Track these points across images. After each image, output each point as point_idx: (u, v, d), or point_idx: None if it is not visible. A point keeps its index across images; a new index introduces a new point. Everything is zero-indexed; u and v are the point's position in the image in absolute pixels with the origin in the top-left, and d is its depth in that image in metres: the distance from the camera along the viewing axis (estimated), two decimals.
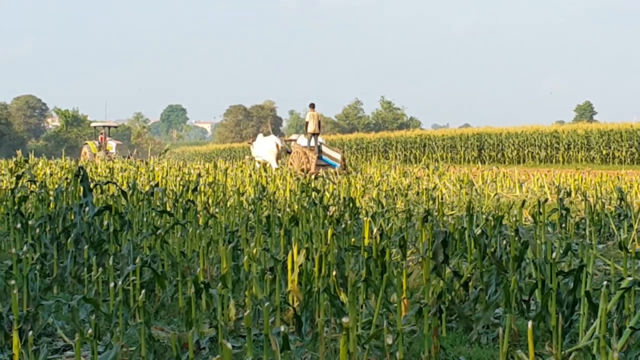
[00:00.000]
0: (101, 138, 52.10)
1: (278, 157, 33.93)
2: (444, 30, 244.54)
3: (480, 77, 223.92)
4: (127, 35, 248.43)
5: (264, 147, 34.55)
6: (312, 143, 33.35)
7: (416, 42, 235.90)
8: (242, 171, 26.79)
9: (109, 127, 57.33)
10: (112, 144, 51.01)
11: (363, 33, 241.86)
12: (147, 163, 33.04)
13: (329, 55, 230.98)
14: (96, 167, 27.81)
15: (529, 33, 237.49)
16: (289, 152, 35.22)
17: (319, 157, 32.70)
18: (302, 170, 30.73)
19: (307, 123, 34.20)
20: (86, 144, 53.11)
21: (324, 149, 34.09)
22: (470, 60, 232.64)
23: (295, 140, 36.54)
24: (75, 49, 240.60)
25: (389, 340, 4.46)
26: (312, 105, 34.57)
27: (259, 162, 33.18)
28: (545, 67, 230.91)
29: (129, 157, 43.24)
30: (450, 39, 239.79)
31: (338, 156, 33.97)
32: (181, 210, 12.18)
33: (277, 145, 34.11)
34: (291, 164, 33.58)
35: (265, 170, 27.44)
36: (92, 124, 62.76)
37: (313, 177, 24.48)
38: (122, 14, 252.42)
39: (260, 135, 36.72)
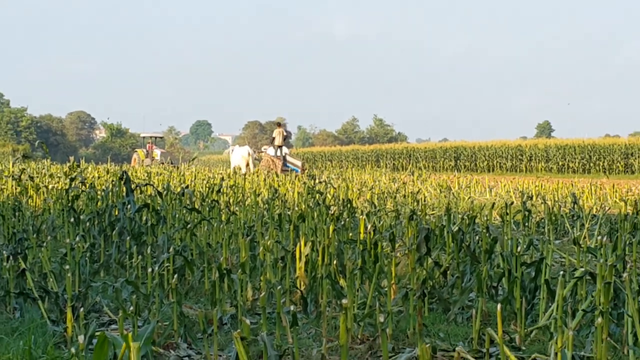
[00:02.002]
0: (149, 147, 52.06)
1: (247, 164, 35.00)
2: (429, 59, 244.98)
3: (458, 98, 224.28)
4: (163, 58, 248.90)
5: (238, 155, 36.45)
6: (278, 153, 36.26)
7: (405, 68, 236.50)
8: (257, 176, 26.78)
9: (156, 137, 57.28)
10: (157, 152, 50.97)
11: (359, 59, 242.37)
12: (178, 168, 33.17)
13: (331, 78, 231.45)
14: (136, 172, 27.77)
15: (500, 62, 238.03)
16: (258, 160, 37.12)
17: (284, 164, 35.49)
18: (270, 173, 31.75)
19: (274, 138, 37.56)
20: (136, 151, 53.03)
21: (288, 158, 36.98)
22: (449, 84, 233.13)
23: (266, 151, 38.18)
24: (118, 70, 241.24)
25: (381, 319, 4.45)
26: (279, 124, 39.13)
27: (237, 168, 34.57)
28: (512, 91, 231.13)
29: (171, 164, 43.33)
30: (434, 67, 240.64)
31: (299, 163, 37.10)
32: (207, 208, 12.17)
33: (249, 154, 35.70)
34: (261, 169, 35.06)
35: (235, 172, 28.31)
36: (142, 135, 62.20)
37: (315, 183, 24.94)
38: (157, 42, 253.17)
39: (236, 146, 38.72)
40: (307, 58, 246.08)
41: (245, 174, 28.68)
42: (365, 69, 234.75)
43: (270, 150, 37.95)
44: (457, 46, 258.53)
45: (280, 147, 37.02)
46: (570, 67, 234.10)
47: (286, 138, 38.70)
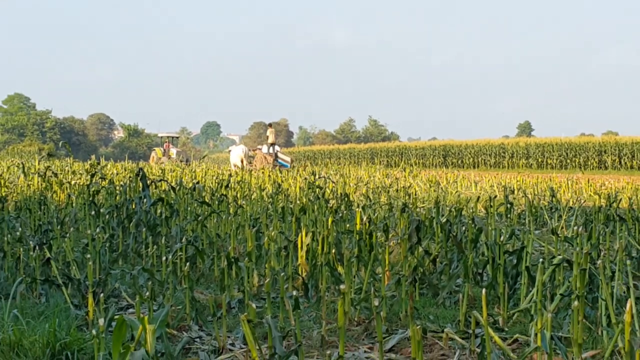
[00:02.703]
0: (166, 146, 51.93)
1: (242, 161, 36.16)
2: (420, 66, 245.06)
3: (446, 101, 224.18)
4: (176, 65, 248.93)
5: (235, 153, 37.77)
6: (271, 150, 37.43)
7: (398, 73, 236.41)
8: (262, 172, 26.77)
9: (172, 137, 57.12)
10: (173, 151, 50.85)
11: (356, 66, 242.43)
12: (189, 166, 33.34)
13: (330, 83, 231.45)
14: (151, 169, 27.79)
15: (484, 69, 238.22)
16: (252, 157, 37.84)
17: (275, 160, 36.75)
18: (263, 168, 32.45)
19: (267, 137, 38.76)
20: (154, 150, 52.88)
21: (279, 154, 38.19)
22: (439, 89, 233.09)
23: (260, 149, 38.94)
24: (135, 75, 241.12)
25: (376, 303, 4.45)
26: (270, 125, 40.19)
27: (234, 165, 36.08)
28: (495, 95, 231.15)
29: (183, 161, 43.39)
30: (425, 73, 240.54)
31: (288, 159, 38.64)
32: (216, 202, 12.16)
33: (244, 152, 37.13)
34: (255, 164, 36.31)
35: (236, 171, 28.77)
36: (159, 135, 61.91)
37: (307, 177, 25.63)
38: (171, 50, 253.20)
39: (234, 146, 39.78)
40: (309, 64, 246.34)
41: (243, 170, 29.06)
42: (361, 74, 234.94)
43: (264, 148, 39.00)
44: (446, 54, 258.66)
45: (272, 145, 38.19)
46: (549, 73, 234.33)
47: (275, 137, 39.92)
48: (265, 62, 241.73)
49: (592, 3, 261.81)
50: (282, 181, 20.89)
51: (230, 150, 40.24)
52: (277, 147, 39.46)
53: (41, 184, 16.66)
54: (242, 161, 36.17)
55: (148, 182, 11.27)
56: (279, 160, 37.78)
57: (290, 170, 31.29)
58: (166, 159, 46.77)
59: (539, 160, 57.34)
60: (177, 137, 65.03)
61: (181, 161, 44.22)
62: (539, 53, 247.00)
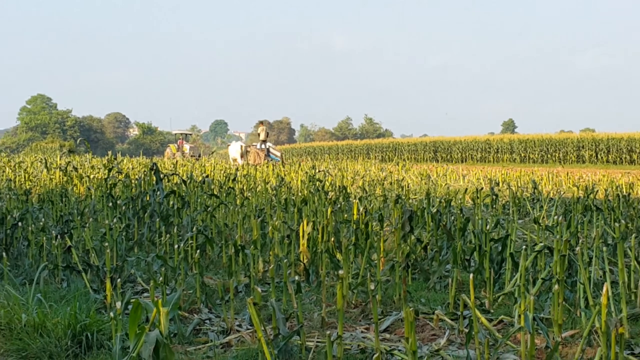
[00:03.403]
0: (180, 142, 51.72)
1: (242, 156, 36.80)
2: (413, 68, 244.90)
3: (436, 100, 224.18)
4: (186, 67, 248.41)
5: (234, 149, 38.62)
6: (263, 146, 37.76)
7: (392, 75, 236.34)
8: (267, 166, 26.76)
9: (186, 134, 56.91)
10: (187, 147, 50.59)
11: (353, 68, 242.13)
12: (199, 161, 33.48)
13: (329, 84, 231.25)
14: (164, 164, 27.77)
15: (472, 71, 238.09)
16: (248, 152, 38.09)
17: (267, 155, 37.07)
18: (256, 163, 33.49)
19: (259, 134, 39.03)
20: (169, 146, 52.68)
21: (271, 149, 38.40)
22: (430, 89, 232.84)
23: (255, 145, 39.16)
24: (148, 77, 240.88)
25: (372, 287, 4.45)
26: (262, 122, 40.15)
27: (233, 159, 36.88)
28: (482, 95, 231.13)
29: (193, 156, 43.39)
30: (417, 74, 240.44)
31: (279, 154, 38.70)
32: (224, 194, 12.17)
33: (242, 147, 37.82)
34: (249, 158, 36.59)
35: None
36: (173, 132, 61.67)
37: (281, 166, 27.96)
38: (182, 54, 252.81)
39: (233, 142, 40.89)
40: (310, 66, 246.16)
41: (242, 164, 29.43)
42: (358, 75, 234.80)
43: (257, 144, 39.52)
44: (436, 58, 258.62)
45: (264, 141, 38.54)
46: (531, 75, 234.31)
47: (267, 134, 40.12)
48: (269, 65, 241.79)
49: (570, 10, 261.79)
50: (285, 175, 20.87)
51: (229, 146, 40.91)
52: (269, 143, 39.77)
53: (62, 178, 16.66)
54: (241, 155, 36.87)
55: (161, 175, 11.26)
56: (271, 155, 38.12)
57: (292, 165, 31.32)
58: (180, 155, 46.76)
59: (522, 155, 57.34)
60: (190, 134, 64.68)
61: (192, 156, 44.28)
62: (522, 56, 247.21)
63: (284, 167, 28.46)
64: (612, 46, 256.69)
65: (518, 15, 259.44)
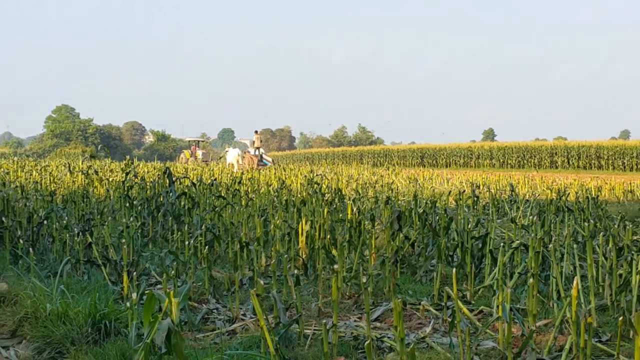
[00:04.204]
0: (193, 148, 51.56)
1: (237, 161, 37.07)
2: (403, 81, 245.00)
3: (424, 110, 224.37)
4: (197, 81, 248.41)
5: (231, 155, 38.71)
6: (257, 153, 38.97)
7: (384, 87, 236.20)
8: (269, 170, 26.75)
9: (198, 141, 56.81)
10: (199, 153, 50.50)
11: (349, 80, 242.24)
12: (208, 165, 33.52)
13: (326, 95, 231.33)
14: (176, 167, 27.76)
15: (457, 83, 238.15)
16: (243, 157, 38.80)
17: (260, 160, 38.37)
18: (251, 167, 34.07)
19: (253, 142, 40.42)
20: (183, 152, 52.54)
21: (264, 156, 39.67)
22: (417, 99, 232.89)
23: (249, 152, 40.08)
24: (163, 89, 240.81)
25: (364, 280, 4.45)
26: (256, 132, 40.94)
27: (230, 164, 36.96)
28: (465, 105, 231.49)
29: (207, 162, 43.45)
30: (406, 86, 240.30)
31: (270, 159, 40.09)
32: (231, 195, 12.16)
33: (238, 154, 38.22)
34: (244, 163, 37.38)
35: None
36: (187, 139, 61.44)
37: (274, 170, 27.85)
38: (193, 68, 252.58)
39: (230, 148, 41.93)
40: (309, 79, 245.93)
41: (237, 170, 29.83)
42: (353, 87, 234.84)
43: (251, 150, 40.38)
44: (423, 72, 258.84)
45: (257, 148, 39.48)
46: (509, 87, 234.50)
47: (261, 141, 41.54)
48: (272, 78, 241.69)
49: (545, 29, 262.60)
50: (285, 178, 20.86)
51: (227, 152, 41.57)
52: (262, 150, 40.60)
53: (84, 180, 16.64)
54: (237, 161, 37.30)
55: (173, 179, 11.26)
56: (263, 160, 39.06)
57: (292, 169, 31.35)
58: (193, 159, 46.76)
59: (501, 161, 57.39)
60: (202, 141, 64.52)
61: (204, 161, 44.33)
62: (501, 70, 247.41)
63: (277, 170, 28.67)
64: (583, 61, 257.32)
65: (498, 32, 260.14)
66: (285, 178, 20.93)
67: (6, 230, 7.40)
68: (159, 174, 14.47)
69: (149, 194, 11.06)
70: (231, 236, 8.16)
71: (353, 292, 6.31)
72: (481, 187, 19.73)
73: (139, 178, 14.01)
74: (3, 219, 7.95)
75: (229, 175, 21.51)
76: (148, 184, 12.49)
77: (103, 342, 4.52)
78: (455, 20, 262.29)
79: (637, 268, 5.30)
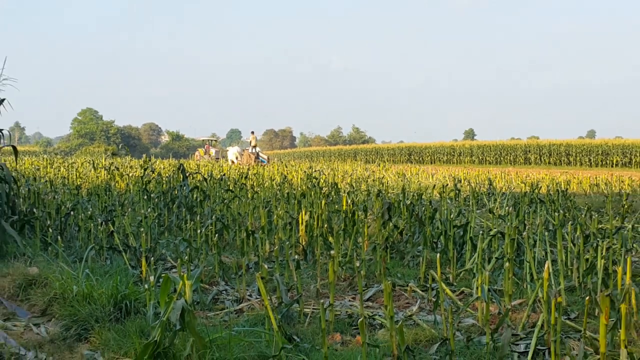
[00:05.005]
0: (207, 147, 51.23)
1: (237, 158, 37.83)
2: (394, 86, 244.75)
3: (412, 112, 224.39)
4: (208, 86, 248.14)
5: (231, 152, 39.74)
6: (253, 151, 38.91)
7: (376, 91, 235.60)
8: (272, 167, 26.72)
9: (211, 140, 56.55)
10: (212, 150, 50.23)
11: (345, 84, 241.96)
12: (218, 162, 33.60)
13: (324, 98, 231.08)
14: (189, 164, 27.72)
15: (442, 88, 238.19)
16: (241, 155, 39.18)
17: (257, 157, 38.31)
18: (248, 164, 34.02)
19: (250, 141, 40.52)
20: (197, 150, 52.31)
21: (260, 153, 39.63)
22: (405, 103, 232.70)
23: (247, 150, 40.10)
24: (177, 93, 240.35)
25: (357, 264, 4.45)
26: (252, 132, 40.90)
27: (231, 161, 37.63)
28: (448, 108, 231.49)
29: (217, 160, 43.41)
30: (398, 91, 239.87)
31: (266, 157, 40.36)
32: (238, 189, 12.15)
33: (238, 152, 39.09)
34: (242, 160, 37.59)
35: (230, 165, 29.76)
36: (201, 138, 61.12)
37: (266, 166, 27.84)
38: (203, 74, 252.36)
39: (231, 147, 42.74)
40: (309, 84, 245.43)
41: (237, 165, 30.14)
42: (348, 91, 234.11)
43: (249, 149, 40.46)
44: (411, 78, 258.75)
45: (254, 147, 39.55)
46: (487, 92, 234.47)
47: (256, 140, 41.76)
48: (276, 82, 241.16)
49: (518, 41, 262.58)
50: (287, 174, 20.87)
51: (228, 150, 41.86)
52: (258, 148, 40.87)
53: (106, 176, 16.62)
54: (236, 157, 37.84)
55: (186, 174, 11.25)
56: (260, 158, 39.22)
57: (293, 166, 31.34)
58: (207, 157, 46.65)
59: (480, 158, 57.38)
60: (214, 140, 64.20)
61: (216, 159, 44.32)
62: (480, 77, 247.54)
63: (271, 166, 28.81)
64: (554, 70, 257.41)
65: (477, 46, 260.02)
66: (287, 173, 20.93)
67: (37, 220, 7.39)
68: (173, 170, 14.48)
69: (164, 188, 11.05)
70: (238, 225, 8.16)
71: (348, 275, 6.32)
72: (462, 181, 19.74)
73: (156, 173, 14.00)
74: (34, 210, 7.94)
75: (236, 171, 21.50)
76: (164, 178, 12.48)
77: (124, 320, 4.52)
78: (439, 35, 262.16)
79: (601, 253, 5.31)
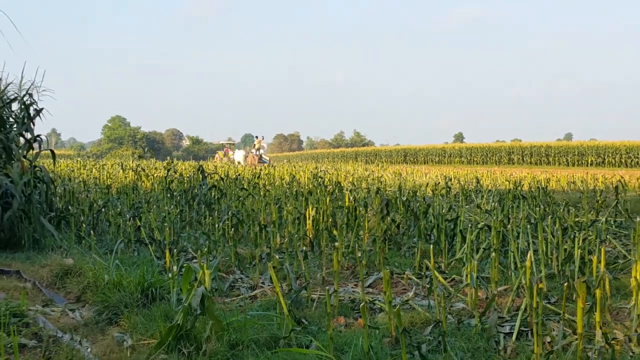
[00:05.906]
0: (226, 150, 51.18)
1: (244, 160, 38.18)
2: (389, 94, 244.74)
3: (407, 117, 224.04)
4: (224, 95, 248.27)
5: (238, 154, 40.31)
6: (257, 153, 39.76)
7: (376, 100, 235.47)
8: (282, 167, 26.72)
9: (230, 143, 56.57)
10: (231, 153, 50.12)
11: (348, 93, 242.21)
12: (233, 164, 33.66)
13: (329, 106, 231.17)
14: (208, 166, 27.75)
15: (433, 96, 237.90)
16: (246, 156, 39.64)
17: (260, 159, 39.09)
18: (252, 164, 34.53)
19: (254, 144, 41.32)
20: (217, 153, 52.20)
21: (263, 156, 40.34)
22: (401, 110, 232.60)
23: (252, 152, 40.87)
24: (197, 101, 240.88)
25: (359, 254, 4.45)
26: (257, 137, 41.21)
27: (237, 162, 37.92)
28: (439, 113, 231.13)
29: (233, 162, 43.44)
30: (393, 98, 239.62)
31: (268, 159, 40.74)
32: (252, 187, 12.15)
33: (244, 154, 39.68)
34: (247, 161, 38.05)
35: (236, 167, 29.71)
36: (221, 142, 61.37)
37: (270, 167, 27.36)
38: (220, 85, 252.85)
39: (237, 150, 43.75)
40: (316, 93, 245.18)
41: (244, 166, 30.30)
42: (350, 99, 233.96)
43: (254, 151, 41.12)
44: (406, 87, 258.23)
45: (258, 149, 40.05)
46: (475, 98, 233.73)
47: (261, 144, 42.36)
48: (286, 92, 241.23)
49: (503, 52, 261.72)
50: (295, 174, 20.86)
51: (234, 153, 42.10)
52: (262, 151, 41.25)
53: (134, 176, 16.65)
54: (243, 159, 38.07)
55: (205, 174, 11.26)
56: (263, 159, 39.54)
57: (300, 166, 31.35)
58: (226, 160, 46.64)
59: (468, 158, 57.23)
60: (234, 144, 64.11)
61: (242, 161, 44.38)
62: (468, 84, 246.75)
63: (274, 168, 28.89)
64: (535, 78, 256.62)
65: (465, 55, 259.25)
66: (295, 173, 20.93)
67: (72, 217, 7.41)
68: (194, 171, 14.48)
69: (186, 187, 11.07)
70: (252, 220, 8.16)
71: (350, 264, 6.31)
72: (453, 180, 19.69)
73: (178, 174, 14.03)
74: (69, 207, 7.97)
75: (250, 172, 21.51)
76: (185, 178, 12.50)
77: (150, 305, 4.53)
78: (431, 49, 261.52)
79: (578, 244, 5.28)
